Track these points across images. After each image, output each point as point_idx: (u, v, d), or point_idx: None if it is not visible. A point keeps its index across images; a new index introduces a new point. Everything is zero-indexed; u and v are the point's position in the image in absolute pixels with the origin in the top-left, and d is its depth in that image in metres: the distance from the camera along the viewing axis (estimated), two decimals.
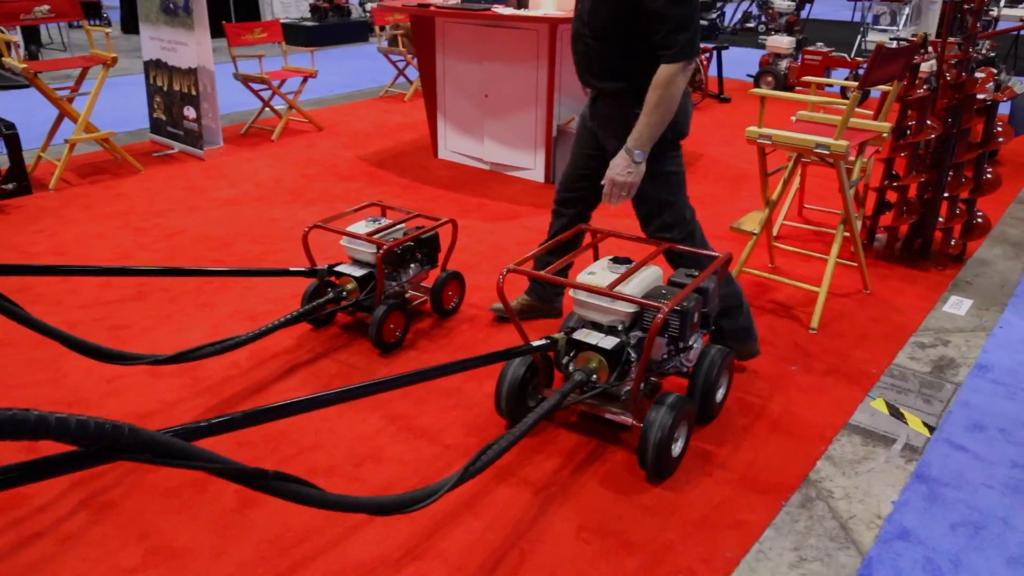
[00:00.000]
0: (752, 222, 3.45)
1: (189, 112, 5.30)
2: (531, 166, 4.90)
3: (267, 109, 6.09)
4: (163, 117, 5.59)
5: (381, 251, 2.82)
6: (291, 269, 2.90)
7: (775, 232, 4.05)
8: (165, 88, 5.49)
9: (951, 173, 3.71)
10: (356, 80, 8.33)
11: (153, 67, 5.58)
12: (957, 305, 3.41)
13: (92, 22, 11.76)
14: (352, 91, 7.74)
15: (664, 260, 2.70)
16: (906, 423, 2.58)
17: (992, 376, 2.87)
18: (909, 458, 2.41)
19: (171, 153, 5.46)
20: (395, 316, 2.88)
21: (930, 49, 3.91)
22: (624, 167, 2.41)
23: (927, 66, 4.73)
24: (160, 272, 2.64)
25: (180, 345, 2.96)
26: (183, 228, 4.13)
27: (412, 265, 3.05)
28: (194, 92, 5.22)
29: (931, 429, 2.55)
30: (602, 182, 2.49)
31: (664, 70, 2.29)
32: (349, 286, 2.96)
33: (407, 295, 3.15)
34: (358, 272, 2.96)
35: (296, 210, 4.41)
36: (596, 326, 2.39)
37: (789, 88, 7.54)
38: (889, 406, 2.67)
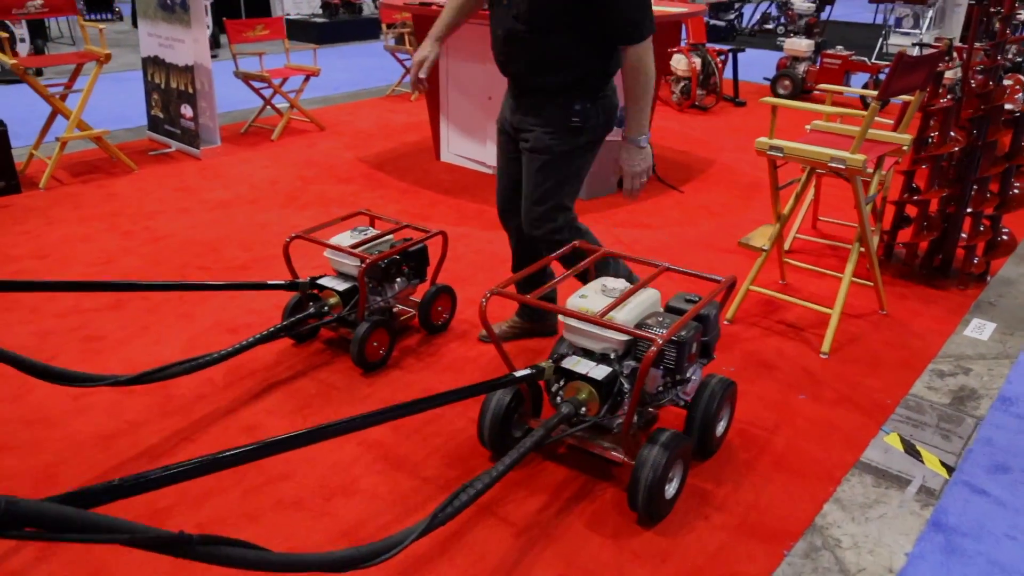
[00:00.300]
0: (762, 237, 3.26)
1: (186, 110, 5.17)
2: None
3: (269, 108, 5.95)
4: (161, 115, 5.47)
5: (363, 265, 2.66)
6: (270, 283, 2.75)
7: (787, 246, 3.86)
8: (163, 85, 5.36)
9: (975, 187, 3.50)
10: (363, 78, 8.19)
11: (151, 64, 5.45)
12: (979, 329, 3.21)
13: (103, 16, 11.73)
14: (358, 90, 7.59)
15: (659, 282, 2.52)
16: (922, 462, 2.39)
17: (1016, 410, 2.67)
18: (925, 503, 2.22)
19: (168, 152, 5.34)
20: (379, 333, 2.73)
21: (955, 56, 3.70)
22: (636, 157, 2.40)
23: (951, 73, 4.52)
24: (129, 287, 2.49)
25: (154, 360, 2.82)
26: (171, 231, 3.99)
27: (398, 279, 2.89)
28: (191, 90, 5.09)
29: (949, 470, 2.36)
30: (621, 185, 2.45)
31: (635, 52, 2.26)
32: (332, 300, 2.80)
33: (394, 310, 3.00)
34: (341, 286, 2.80)
35: (289, 214, 4.26)
36: (588, 353, 2.22)
37: (807, 92, 7.32)
38: (904, 442, 2.49)
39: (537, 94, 2.42)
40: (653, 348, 1.94)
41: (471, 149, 5.00)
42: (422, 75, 2.54)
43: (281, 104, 6.04)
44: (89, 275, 3.48)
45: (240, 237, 3.94)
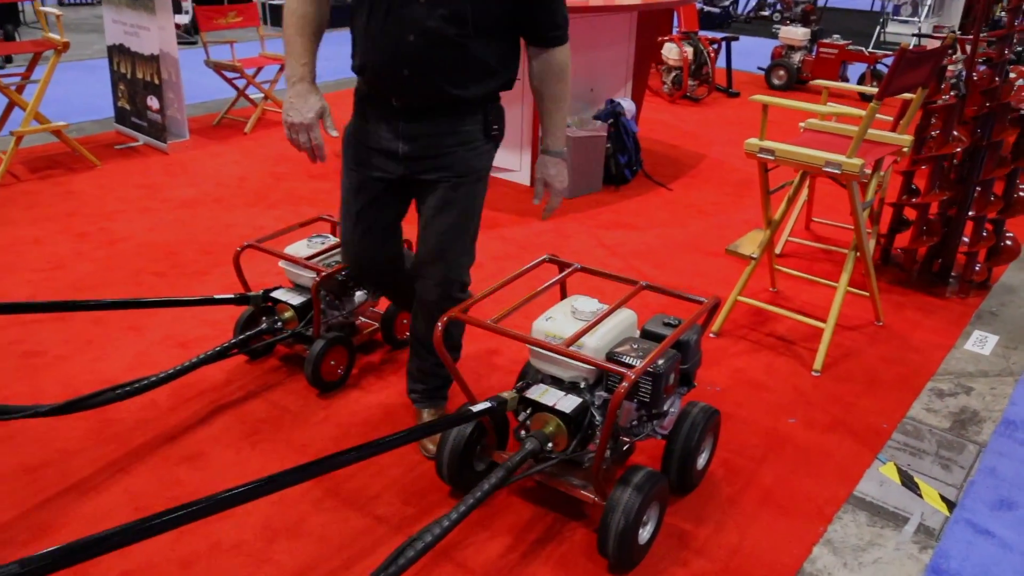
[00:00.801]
0: (751, 244, 3.07)
1: (152, 102, 4.94)
2: (516, 168, 4.52)
3: (243, 99, 5.71)
4: (127, 107, 5.23)
5: (318, 278, 2.45)
6: (217, 297, 2.54)
7: (778, 250, 3.66)
8: (129, 75, 5.12)
9: (978, 190, 3.30)
10: (345, 66, 7.93)
11: (116, 52, 5.21)
12: (981, 342, 3.02)
13: (81, 1, 11.41)
14: (340, 79, 7.33)
15: (636, 303, 2.31)
16: (921, 496, 2.20)
17: (1021, 436, 2.48)
18: (924, 544, 2.03)
19: (135, 146, 5.10)
20: (336, 351, 2.52)
21: (959, 50, 3.49)
22: (562, 172, 2.14)
23: (954, 65, 4.31)
24: (56, 307, 2.28)
25: (97, 379, 2.61)
26: (130, 233, 3.77)
27: (358, 292, 2.68)
28: (157, 80, 4.85)
29: (950, 505, 2.17)
30: (537, 201, 2.18)
31: (564, 52, 2.05)
32: (286, 315, 2.60)
33: (356, 323, 2.79)
34: (296, 299, 2.60)
35: (256, 214, 4.04)
36: (556, 382, 2.02)
37: (802, 83, 7.10)
38: (901, 473, 2.30)
39: (450, 109, 2.00)
40: (624, 384, 1.74)
41: None
42: (333, 133, 2.05)
43: (255, 95, 5.80)
44: (36, 281, 3.27)
45: (202, 240, 3.72)
